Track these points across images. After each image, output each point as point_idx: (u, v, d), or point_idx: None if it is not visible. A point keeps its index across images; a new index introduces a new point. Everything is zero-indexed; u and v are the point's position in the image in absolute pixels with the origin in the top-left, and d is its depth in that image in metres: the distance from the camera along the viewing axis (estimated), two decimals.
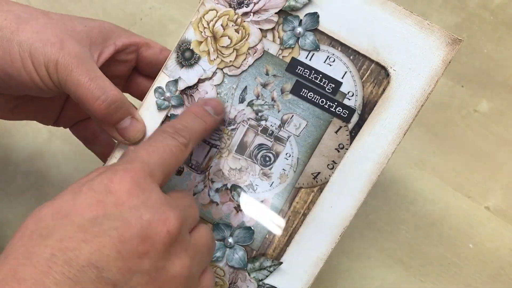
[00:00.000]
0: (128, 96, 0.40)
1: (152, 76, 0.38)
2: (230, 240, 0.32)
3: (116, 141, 0.34)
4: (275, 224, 0.33)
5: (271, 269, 0.32)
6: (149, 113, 0.33)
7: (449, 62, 0.31)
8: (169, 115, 0.33)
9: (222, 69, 0.33)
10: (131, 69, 0.37)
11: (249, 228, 0.33)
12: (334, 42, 0.32)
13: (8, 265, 0.22)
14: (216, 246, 0.32)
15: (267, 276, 0.32)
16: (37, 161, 0.47)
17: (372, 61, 0.32)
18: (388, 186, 0.46)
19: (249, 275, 0.32)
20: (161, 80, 0.33)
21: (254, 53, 0.33)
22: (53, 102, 0.37)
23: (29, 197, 0.45)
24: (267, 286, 0.32)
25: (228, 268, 0.32)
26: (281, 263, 0.32)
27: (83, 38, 0.32)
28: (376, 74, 0.32)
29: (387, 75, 0.32)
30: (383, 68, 0.32)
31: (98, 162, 0.38)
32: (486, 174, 0.47)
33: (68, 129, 0.40)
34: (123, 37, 0.34)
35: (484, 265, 0.43)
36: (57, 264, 0.21)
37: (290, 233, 0.32)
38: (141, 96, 0.38)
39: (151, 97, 0.33)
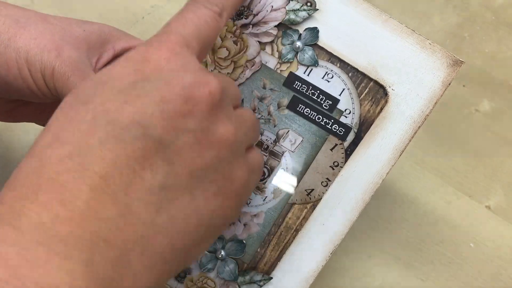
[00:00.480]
0: None
1: None
2: (222, 252, 0.33)
3: None
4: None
5: (261, 283, 0.32)
6: None
7: (449, 84, 0.30)
8: None
9: None
10: None
11: (241, 242, 0.33)
12: (333, 58, 0.32)
13: (50, 132, 0.22)
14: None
15: None
16: None
17: (371, 79, 0.31)
18: (389, 185, 0.46)
19: (239, 287, 0.33)
20: None
21: (252, 66, 0.32)
22: (50, 105, 0.37)
23: None
24: None
25: (219, 280, 0.33)
26: (271, 278, 0.32)
27: (81, 43, 0.32)
28: (374, 93, 0.31)
29: (385, 94, 0.31)
30: (382, 87, 0.31)
31: None
32: (487, 174, 0.47)
33: None
34: (123, 41, 0.34)
35: (485, 264, 0.43)
36: (100, 125, 0.21)
37: (281, 248, 0.32)
38: None
39: None
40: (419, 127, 0.31)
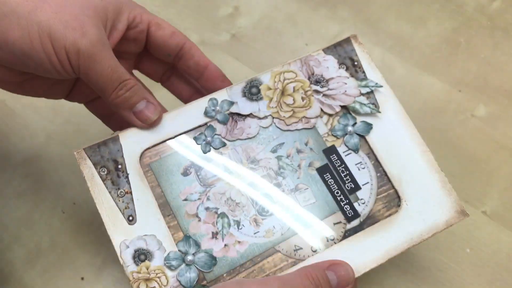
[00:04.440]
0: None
1: (161, 60, 0.38)
2: (190, 257, 0.32)
3: None
4: None
5: None
6: (194, 112, 0.35)
7: (451, 225, 0.33)
8: (208, 125, 0.35)
9: (273, 118, 0.36)
10: (142, 48, 0.38)
11: (213, 257, 0.32)
12: (371, 155, 0.35)
13: None
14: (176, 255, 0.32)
15: None
16: (34, 164, 0.47)
17: (393, 187, 0.35)
18: None
19: None
20: (220, 94, 0.36)
21: (306, 123, 0.36)
22: (61, 81, 0.37)
23: (26, 201, 0.45)
24: None
25: (174, 281, 0.31)
26: None
27: (100, 14, 0.32)
28: (390, 199, 0.35)
29: (399, 205, 0.34)
30: (399, 198, 0.34)
31: None
32: (483, 179, 0.47)
33: (64, 135, 0.39)
34: (136, 11, 0.35)
35: (481, 270, 0.43)
36: None
37: None
38: (150, 75, 0.40)
39: (203, 101, 0.36)
40: (414, 246, 0.33)
